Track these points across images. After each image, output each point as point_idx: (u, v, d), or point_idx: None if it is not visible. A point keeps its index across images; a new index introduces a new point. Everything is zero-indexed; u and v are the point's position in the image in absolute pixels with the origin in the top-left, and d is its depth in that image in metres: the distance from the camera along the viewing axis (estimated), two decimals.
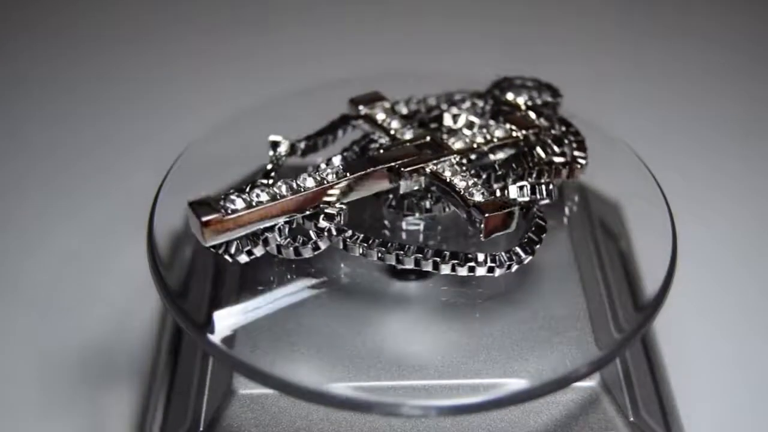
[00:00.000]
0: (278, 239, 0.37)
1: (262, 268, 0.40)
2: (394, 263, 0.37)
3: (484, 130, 0.41)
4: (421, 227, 0.41)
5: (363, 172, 0.38)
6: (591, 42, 0.74)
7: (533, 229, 0.37)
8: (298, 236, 0.37)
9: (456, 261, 0.36)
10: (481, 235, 0.36)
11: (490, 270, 0.36)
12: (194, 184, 0.37)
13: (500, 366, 0.36)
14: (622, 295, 0.43)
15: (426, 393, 0.36)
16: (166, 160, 0.43)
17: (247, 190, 0.36)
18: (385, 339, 0.38)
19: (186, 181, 0.37)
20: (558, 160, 0.41)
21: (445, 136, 0.40)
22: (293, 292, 0.39)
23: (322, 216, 0.37)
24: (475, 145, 0.40)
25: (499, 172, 0.39)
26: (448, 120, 0.43)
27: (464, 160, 0.39)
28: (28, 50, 0.73)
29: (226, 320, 0.38)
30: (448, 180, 0.38)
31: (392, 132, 0.41)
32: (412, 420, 0.37)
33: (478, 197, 0.37)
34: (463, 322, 0.38)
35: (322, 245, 0.37)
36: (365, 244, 0.37)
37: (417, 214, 0.40)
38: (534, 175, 0.39)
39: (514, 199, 0.38)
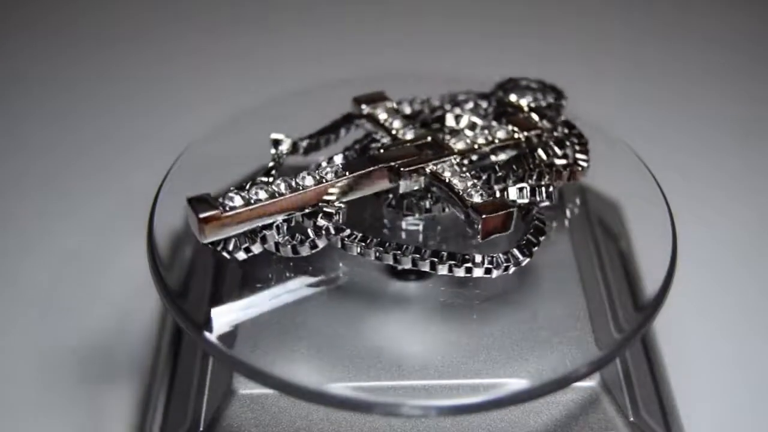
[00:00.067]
0: (276, 237, 0.37)
1: (262, 268, 0.40)
2: (391, 263, 0.37)
3: (486, 131, 0.41)
4: (421, 227, 0.41)
5: (362, 172, 0.38)
6: (591, 41, 0.74)
7: (532, 231, 0.37)
8: (297, 234, 0.37)
9: (453, 262, 0.36)
10: (479, 237, 0.36)
11: (488, 271, 0.36)
12: (194, 184, 0.37)
13: (500, 366, 0.36)
14: (622, 295, 0.43)
15: (426, 393, 0.36)
16: (166, 160, 0.43)
17: (247, 187, 0.36)
18: (385, 339, 0.38)
19: (186, 181, 0.37)
20: (559, 162, 0.41)
21: (447, 137, 0.40)
22: (293, 292, 0.39)
23: (320, 215, 0.37)
24: (476, 146, 0.40)
25: (500, 174, 0.39)
26: (450, 120, 0.43)
27: (465, 161, 0.39)
28: (28, 49, 0.73)
29: (226, 320, 0.38)
30: (447, 180, 0.38)
31: (394, 132, 0.41)
32: (412, 420, 0.37)
33: (476, 198, 0.37)
34: (463, 322, 0.38)
35: (320, 244, 0.37)
36: (363, 244, 0.37)
37: (417, 214, 0.40)
38: (534, 177, 0.39)
39: (514, 201, 0.38)
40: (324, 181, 0.37)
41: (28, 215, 0.57)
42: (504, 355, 0.37)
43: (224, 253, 0.37)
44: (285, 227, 0.37)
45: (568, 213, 0.45)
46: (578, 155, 0.41)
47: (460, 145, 0.40)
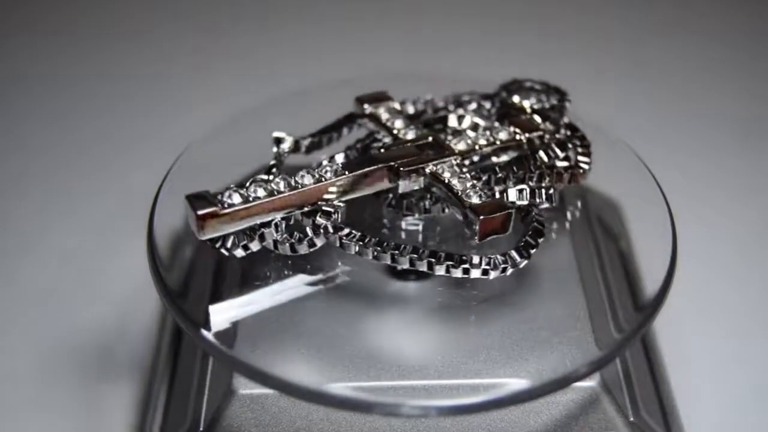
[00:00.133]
0: (275, 235, 0.37)
1: (262, 268, 0.40)
2: (389, 263, 0.37)
3: (488, 132, 0.41)
4: (420, 227, 0.41)
5: (361, 171, 0.38)
6: (591, 40, 0.74)
7: (530, 233, 0.37)
8: (295, 233, 0.37)
9: (451, 263, 0.36)
10: (476, 237, 0.36)
11: (485, 273, 0.36)
12: (194, 185, 0.37)
13: (500, 366, 0.36)
14: (622, 295, 0.43)
15: (426, 393, 0.36)
16: (166, 159, 0.43)
17: (247, 185, 0.36)
18: (385, 339, 0.38)
19: (186, 181, 0.37)
20: (560, 164, 0.41)
21: (449, 137, 0.40)
22: (293, 292, 0.39)
23: (319, 213, 0.37)
24: (477, 147, 0.40)
25: (500, 175, 0.39)
26: (452, 121, 0.43)
27: (466, 162, 0.39)
28: (28, 48, 0.73)
29: (226, 320, 0.38)
30: (446, 181, 0.38)
31: (395, 131, 0.41)
32: (412, 420, 0.37)
33: (475, 199, 0.37)
34: (463, 323, 0.38)
35: (319, 242, 0.37)
36: (361, 243, 0.37)
37: (416, 215, 0.40)
38: (535, 179, 0.39)
39: (513, 202, 0.38)
40: (323, 179, 0.37)
41: (27, 215, 0.57)
42: (504, 355, 0.37)
43: (223, 251, 0.37)
44: (284, 225, 0.37)
45: (568, 213, 0.45)
46: (580, 157, 0.41)
47: (461, 146, 0.40)
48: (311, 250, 0.37)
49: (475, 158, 0.40)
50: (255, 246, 0.37)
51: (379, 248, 0.37)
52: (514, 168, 0.39)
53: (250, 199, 0.36)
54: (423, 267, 0.37)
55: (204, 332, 0.36)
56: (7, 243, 0.55)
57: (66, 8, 0.77)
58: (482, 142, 0.40)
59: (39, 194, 0.58)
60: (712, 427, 0.44)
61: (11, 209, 0.57)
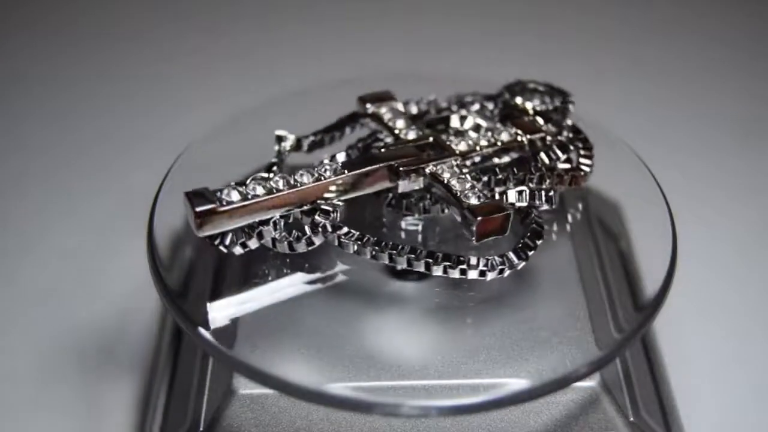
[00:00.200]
0: (273, 233, 0.37)
1: (262, 268, 0.40)
2: (386, 262, 0.37)
3: (489, 133, 0.40)
4: (420, 228, 0.41)
5: (360, 171, 0.38)
6: (591, 40, 0.74)
7: (529, 234, 0.38)
8: (294, 231, 0.37)
9: (448, 263, 0.36)
10: (473, 238, 0.36)
11: (482, 274, 0.36)
12: (194, 184, 0.37)
13: (500, 366, 0.36)
14: (622, 295, 0.43)
15: (426, 393, 0.36)
16: (166, 159, 0.43)
17: (246, 183, 0.37)
18: (385, 339, 0.38)
19: (186, 181, 0.37)
20: (562, 166, 0.41)
21: (452, 138, 0.40)
22: (293, 292, 0.39)
23: (318, 212, 0.37)
24: (478, 148, 0.40)
25: (500, 176, 0.39)
26: (455, 122, 0.43)
27: (468, 162, 0.39)
28: (28, 48, 0.73)
29: (226, 320, 0.38)
30: (445, 181, 0.38)
31: (396, 131, 0.41)
32: (412, 420, 0.37)
33: (473, 200, 0.37)
34: (463, 323, 0.38)
35: (317, 241, 0.37)
36: (359, 242, 0.37)
37: (416, 215, 0.40)
38: (535, 181, 0.39)
39: (512, 204, 0.38)
40: (322, 178, 0.37)
41: (27, 215, 0.57)
42: (504, 355, 0.37)
43: (221, 248, 0.37)
44: (282, 223, 0.37)
45: (568, 213, 0.45)
46: (582, 160, 0.41)
47: (461, 147, 0.40)
48: (309, 248, 0.37)
49: (477, 159, 0.40)
50: (253, 244, 0.37)
51: (377, 248, 0.37)
52: (515, 169, 0.39)
53: (249, 196, 0.36)
54: (420, 267, 0.37)
55: (204, 332, 0.36)
56: (7, 243, 0.55)
57: (66, 8, 0.77)
58: (483, 143, 0.40)
59: (39, 194, 0.58)
60: (712, 427, 0.44)
61: (11, 209, 0.57)
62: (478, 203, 0.37)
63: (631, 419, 0.38)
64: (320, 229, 0.37)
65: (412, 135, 0.41)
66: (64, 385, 0.46)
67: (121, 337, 0.48)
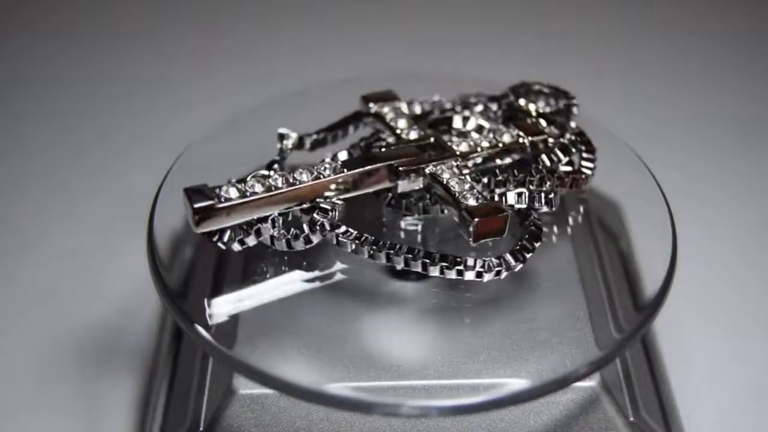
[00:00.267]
0: (272, 230, 0.37)
1: (263, 268, 0.40)
2: (384, 262, 0.37)
3: (491, 135, 0.40)
4: (420, 228, 0.41)
5: (359, 170, 0.38)
6: (591, 40, 0.74)
7: (527, 237, 0.38)
8: (292, 229, 0.37)
9: (445, 264, 0.36)
10: (470, 239, 0.36)
11: (479, 275, 0.36)
12: (194, 184, 0.37)
13: (500, 366, 0.36)
14: (622, 295, 0.43)
15: (426, 393, 0.36)
16: (166, 159, 0.43)
17: (247, 180, 0.37)
18: (385, 339, 0.38)
19: (186, 181, 0.37)
20: (563, 169, 0.41)
21: (454, 139, 0.40)
22: (294, 292, 0.39)
23: (316, 210, 0.37)
24: (479, 149, 0.40)
25: (500, 178, 0.39)
26: (457, 122, 0.43)
27: (469, 164, 0.39)
28: (28, 48, 0.73)
29: (226, 320, 0.38)
30: (444, 182, 0.38)
31: (398, 131, 0.41)
32: (412, 420, 0.37)
33: (471, 201, 0.37)
34: (463, 323, 0.38)
35: (315, 239, 0.37)
36: (357, 241, 0.37)
37: (415, 215, 0.40)
38: (535, 183, 0.39)
39: (511, 206, 0.38)
40: (321, 177, 0.37)
41: (27, 215, 0.57)
42: (504, 355, 0.37)
43: (219, 245, 0.37)
44: (280, 221, 0.37)
45: (568, 213, 0.45)
46: (584, 163, 0.41)
47: (462, 148, 0.40)
48: (307, 246, 0.37)
49: (478, 160, 0.40)
50: (251, 241, 0.37)
51: (374, 247, 0.37)
52: (515, 171, 0.39)
53: (248, 194, 0.36)
54: (418, 267, 0.37)
55: (204, 332, 0.36)
56: (7, 243, 0.55)
57: (66, 8, 0.77)
58: (485, 144, 0.40)
59: (39, 194, 0.58)
60: (712, 427, 0.44)
61: (11, 209, 0.57)
62: (476, 204, 0.37)
63: (631, 419, 0.38)
64: (318, 228, 0.37)
65: (413, 135, 0.41)
66: (64, 385, 0.46)
67: (121, 337, 0.48)
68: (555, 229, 0.43)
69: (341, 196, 0.38)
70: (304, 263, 0.40)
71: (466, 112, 0.43)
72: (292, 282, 0.40)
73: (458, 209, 0.37)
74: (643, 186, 0.42)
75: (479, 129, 0.42)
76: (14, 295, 0.51)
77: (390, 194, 0.40)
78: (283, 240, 0.37)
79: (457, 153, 0.39)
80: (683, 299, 0.44)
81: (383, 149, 0.40)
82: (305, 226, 0.37)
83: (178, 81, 0.69)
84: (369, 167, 0.38)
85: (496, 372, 0.36)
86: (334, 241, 0.37)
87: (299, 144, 0.43)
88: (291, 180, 0.37)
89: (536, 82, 0.45)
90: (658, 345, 0.45)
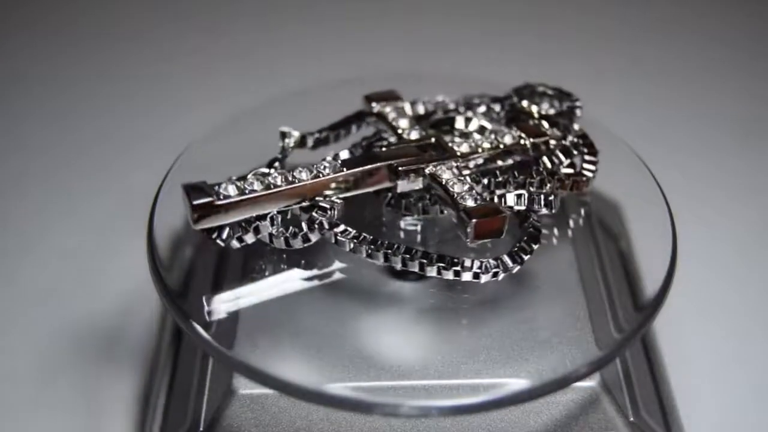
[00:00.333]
0: (270, 228, 0.37)
1: (262, 269, 0.40)
2: (381, 262, 0.37)
3: (493, 136, 0.40)
4: (419, 228, 0.41)
5: (359, 169, 0.38)
6: (591, 40, 0.74)
7: (526, 238, 0.37)
8: (290, 227, 0.37)
9: (442, 264, 0.36)
10: (468, 240, 0.36)
11: (476, 276, 0.36)
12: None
13: (500, 366, 0.36)
14: (622, 295, 0.43)
15: (426, 393, 0.36)
16: (166, 160, 0.43)
17: (247, 177, 0.37)
18: (385, 339, 0.38)
19: (186, 181, 0.37)
20: (564, 171, 0.41)
21: (456, 140, 0.40)
22: (294, 292, 0.39)
23: (315, 208, 0.37)
24: (480, 150, 0.40)
25: (500, 179, 0.39)
26: (460, 123, 0.43)
27: (471, 165, 0.39)
28: (28, 48, 0.73)
29: (226, 320, 0.38)
30: (444, 183, 0.38)
31: (399, 131, 0.41)
32: (412, 420, 0.37)
33: (470, 202, 0.37)
34: (463, 323, 0.38)
35: (313, 238, 0.37)
36: (356, 241, 0.37)
37: (415, 215, 0.40)
38: (536, 184, 0.39)
39: (510, 207, 0.38)
40: (320, 176, 0.37)
41: (27, 215, 0.57)
42: (504, 355, 0.37)
43: (218, 242, 0.37)
44: (279, 219, 0.37)
45: (568, 213, 0.45)
46: (585, 165, 0.41)
47: (463, 148, 0.40)
48: (306, 245, 0.37)
49: (479, 161, 0.40)
50: (250, 238, 0.37)
51: (372, 247, 0.37)
52: (516, 173, 0.39)
53: (246, 191, 0.36)
54: (415, 267, 0.37)
55: (203, 332, 0.36)
56: (7, 243, 0.55)
57: (66, 8, 0.77)
58: (486, 145, 0.40)
59: (39, 194, 0.58)
60: (712, 427, 0.44)
61: (11, 209, 0.57)
62: (475, 205, 0.37)
63: (631, 419, 0.38)
64: (317, 226, 0.37)
65: (414, 135, 0.41)
66: (64, 384, 0.46)
67: (121, 337, 0.48)
68: (555, 229, 0.43)
69: (341, 195, 0.38)
70: (303, 262, 0.40)
71: (469, 113, 0.43)
72: (292, 282, 0.40)
73: (456, 210, 0.37)
74: (643, 186, 0.42)
75: (481, 130, 0.42)
76: (14, 295, 0.51)
77: (390, 194, 0.40)
78: (282, 238, 0.37)
79: (458, 154, 0.39)
80: (683, 299, 0.44)
81: (384, 149, 0.40)
82: (304, 225, 0.37)
83: (178, 81, 0.69)
84: (369, 167, 0.38)
85: (496, 372, 0.36)
86: (333, 240, 0.37)
87: (301, 142, 0.43)
88: (290, 178, 0.37)
89: (540, 84, 0.45)
90: (658, 345, 0.45)
